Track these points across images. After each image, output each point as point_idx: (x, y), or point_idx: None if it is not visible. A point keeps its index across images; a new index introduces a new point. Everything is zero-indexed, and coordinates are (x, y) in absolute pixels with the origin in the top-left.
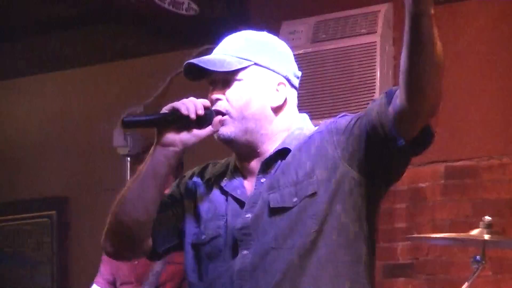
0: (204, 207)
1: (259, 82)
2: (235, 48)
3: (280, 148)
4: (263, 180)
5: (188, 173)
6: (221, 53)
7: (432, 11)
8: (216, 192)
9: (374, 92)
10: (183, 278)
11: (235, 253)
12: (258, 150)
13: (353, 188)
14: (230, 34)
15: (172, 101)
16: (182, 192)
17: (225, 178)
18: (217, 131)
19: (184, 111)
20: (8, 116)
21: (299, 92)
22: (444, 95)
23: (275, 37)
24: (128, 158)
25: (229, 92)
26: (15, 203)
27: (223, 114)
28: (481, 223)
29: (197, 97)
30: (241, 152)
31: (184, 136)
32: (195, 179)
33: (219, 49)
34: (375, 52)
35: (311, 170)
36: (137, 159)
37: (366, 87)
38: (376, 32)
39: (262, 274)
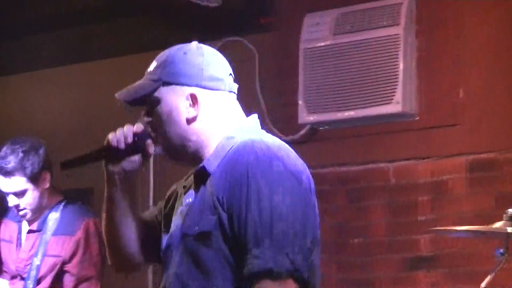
0: (174, 217)
1: (169, 100)
2: (150, 71)
3: (200, 166)
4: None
5: (178, 182)
6: (145, 76)
7: None
8: (182, 199)
9: (397, 84)
10: (61, 270)
11: None
12: (199, 161)
13: None
14: (252, 26)
15: None
16: (164, 205)
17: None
18: (151, 154)
19: (113, 143)
20: (32, 107)
21: (320, 84)
22: (466, 89)
23: (190, 47)
24: None
25: (153, 113)
26: None
27: (152, 136)
28: (504, 215)
29: None
30: (189, 165)
31: (124, 163)
32: (178, 187)
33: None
34: (399, 44)
35: None
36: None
37: (389, 79)
38: (399, 24)
39: None
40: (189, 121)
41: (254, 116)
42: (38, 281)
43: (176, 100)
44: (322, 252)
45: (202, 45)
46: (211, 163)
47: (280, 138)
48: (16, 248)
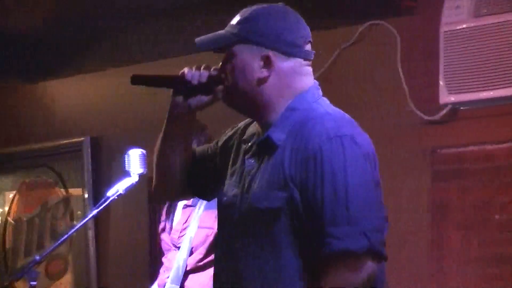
0: (230, 168)
1: (244, 57)
2: (232, 24)
3: (265, 136)
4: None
5: (235, 127)
6: (227, 27)
7: None
8: (241, 156)
9: None
10: (214, 242)
11: None
12: (260, 119)
13: None
14: (395, 10)
15: (338, 76)
16: (220, 146)
17: (249, 143)
18: (219, 99)
19: (187, 77)
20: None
21: (461, 65)
22: None
23: (274, 8)
24: None
25: (228, 65)
26: None
27: (224, 83)
28: None
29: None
30: (249, 117)
31: (191, 100)
32: (236, 135)
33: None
34: None
35: None
36: None
37: None
38: None
39: None
40: (260, 81)
41: (315, 85)
42: (191, 252)
43: (250, 59)
44: (463, 228)
45: (287, 8)
46: (276, 134)
47: (422, 118)
48: (168, 222)
